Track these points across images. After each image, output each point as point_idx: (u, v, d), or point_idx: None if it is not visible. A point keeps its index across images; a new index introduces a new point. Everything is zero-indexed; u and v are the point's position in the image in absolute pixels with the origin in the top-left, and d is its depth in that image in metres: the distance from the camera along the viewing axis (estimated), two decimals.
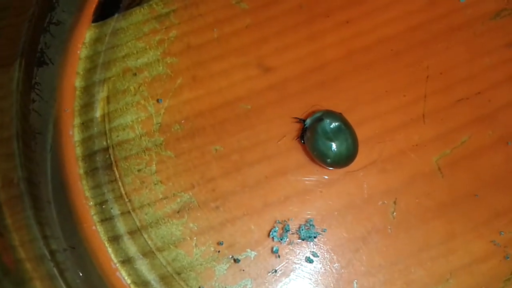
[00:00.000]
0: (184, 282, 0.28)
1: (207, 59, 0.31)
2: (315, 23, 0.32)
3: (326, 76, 0.31)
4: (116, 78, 0.31)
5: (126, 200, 0.29)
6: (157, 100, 0.30)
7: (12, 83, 0.29)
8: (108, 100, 0.31)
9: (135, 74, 0.31)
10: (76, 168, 0.30)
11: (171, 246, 0.28)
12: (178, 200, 0.29)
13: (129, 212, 0.29)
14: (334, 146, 0.27)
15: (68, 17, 0.32)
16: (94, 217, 0.29)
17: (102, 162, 0.30)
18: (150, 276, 0.28)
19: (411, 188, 0.29)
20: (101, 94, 0.31)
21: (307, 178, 0.29)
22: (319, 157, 0.28)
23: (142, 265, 0.28)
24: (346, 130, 0.28)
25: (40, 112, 0.30)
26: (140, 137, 0.30)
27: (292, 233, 0.28)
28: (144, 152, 0.30)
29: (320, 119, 0.28)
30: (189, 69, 0.31)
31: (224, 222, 0.29)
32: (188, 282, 0.28)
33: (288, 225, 0.28)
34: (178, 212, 0.29)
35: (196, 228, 0.29)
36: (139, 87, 0.31)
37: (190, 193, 0.29)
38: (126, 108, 0.30)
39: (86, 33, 0.32)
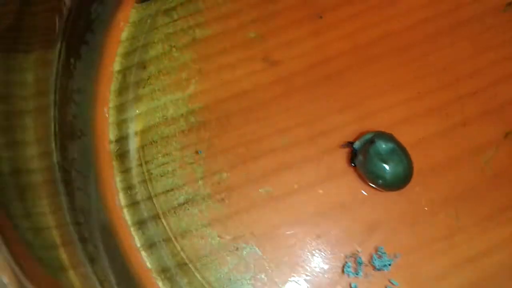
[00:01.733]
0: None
1: (213, 52, 0.32)
2: (321, 16, 0.32)
3: (332, 70, 0.31)
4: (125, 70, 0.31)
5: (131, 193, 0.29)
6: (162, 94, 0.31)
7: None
8: (118, 93, 0.31)
9: (144, 68, 0.31)
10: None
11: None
12: (183, 192, 0.29)
13: (137, 203, 0.29)
14: (388, 168, 0.27)
15: None
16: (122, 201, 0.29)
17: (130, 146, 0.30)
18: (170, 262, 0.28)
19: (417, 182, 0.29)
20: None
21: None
22: (374, 180, 0.27)
23: (162, 251, 0.28)
24: (400, 151, 0.27)
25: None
26: (145, 131, 0.30)
27: (366, 265, 0.28)
28: (151, 144, 0.30)
29: (371, 141, 0.27)
30: (195, 62, 0.31)
31: (229, 215, 0.29)
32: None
33: (360, 258, 0.28)
34: (183, 204, 0.29)
35: (200, 222, 0.29)
36: (148, 79, 0.31)
37: (193, 188, 0.29)
38: (131, 102, 0.31)
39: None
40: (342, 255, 0.28)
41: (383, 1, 0.32)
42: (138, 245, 0.29)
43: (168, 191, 0.29)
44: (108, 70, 0.31)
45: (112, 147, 0.30)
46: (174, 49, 0.31)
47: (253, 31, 0.32)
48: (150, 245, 0.29)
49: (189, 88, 0.31)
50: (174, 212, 0.29)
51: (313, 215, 0.29)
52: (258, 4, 0.32)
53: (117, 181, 0.29)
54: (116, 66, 0.31)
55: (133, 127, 0.30)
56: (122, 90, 0.31)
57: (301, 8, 0.32)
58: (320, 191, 0.29)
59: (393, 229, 0.29)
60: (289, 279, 0.28)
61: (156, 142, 0.30)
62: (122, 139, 0.30)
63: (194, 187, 0.29)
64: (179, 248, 0.28)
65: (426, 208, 0.29)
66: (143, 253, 0.29)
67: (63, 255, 0.25)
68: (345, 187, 0.29)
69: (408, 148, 0.29)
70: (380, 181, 0.27)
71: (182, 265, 0.28)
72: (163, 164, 0.30)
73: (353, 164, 0.29)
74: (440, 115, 0.30)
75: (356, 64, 0.31)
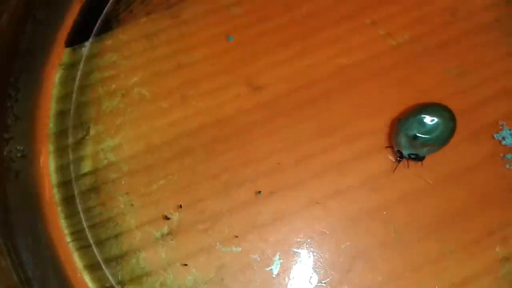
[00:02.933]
0: None
1: (197, 77, 0.31)
2: (304, 40, 0.32)
3: (316, 93, 0.31)
4: (103, 98, 0.31)
5: (114, 224, 0.29)
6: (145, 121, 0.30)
7: None
8: (96, 121, 0.30)
9: (123, 95, 0.31)
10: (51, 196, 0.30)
11: (160, 270, 0.28)
12: (167, 222, 0.29)
13: (120, 234, 0.29)
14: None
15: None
16: (71, 244, 0.29)
17: (87, 186, 0.29)
18: None
19: (402, 206, 0.29)
20: (87, 116, 0.31)
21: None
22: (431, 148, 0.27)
23: None
24: (442, 120, 0.27)
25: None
26: (128, 159, 0.30)
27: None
28: (132, 174, 0.30)
29: (414, 137, 0.27)
30: (178, 88, 0.31)
31: (213, 244, 0.29)
32: None
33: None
34: (167, 234, 0.29)
35: (184, 252, 0.28)
36: (127, 108, 0.31)
37: (178, 215, 0.29)
38: (116, 130, 0.30)
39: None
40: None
41: (365, 24, 0.32)
42: None
43: (150, 222, 0.29)
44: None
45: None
46: (156, 76, 0.31)
47: (236, 55, 0.31)
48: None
49: (172, 114, 0.31)
50: (154, 244, 0.29)
51: (297, 244, 0.29)
52: (242, 29, 0.32)
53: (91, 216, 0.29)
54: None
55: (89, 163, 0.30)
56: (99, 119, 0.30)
57: (284, 31, 0.32)
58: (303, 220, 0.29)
59: (380, 254, 0.28)
60: None
61: (139, 171, 0.30)
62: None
63: (177, 215, 0.29)
64: None
65: (413, 233, 0.28)
66: None
67: None
68: (330, 213, 0.29)
69: (390, 171, 0.29)
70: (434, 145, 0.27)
71: None
72: (144, 195, 0.29)
73: (412, 158, 0.28)
74: (457, 165, 0.30)
75: (340, 87, 0.31)
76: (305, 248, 0.28)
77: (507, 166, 0.29)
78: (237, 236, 0.28)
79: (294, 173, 0.30)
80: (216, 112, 0.31)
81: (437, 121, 0.27)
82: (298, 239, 0.28)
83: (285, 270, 0.28)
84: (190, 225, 0.29)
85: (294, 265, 0.28)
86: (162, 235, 0.29)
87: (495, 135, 0.30)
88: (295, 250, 0.28)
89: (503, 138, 0.30)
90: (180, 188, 0.29)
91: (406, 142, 0.27)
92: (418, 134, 0.27)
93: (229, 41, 0.32)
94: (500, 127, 0.30)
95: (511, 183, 0.29)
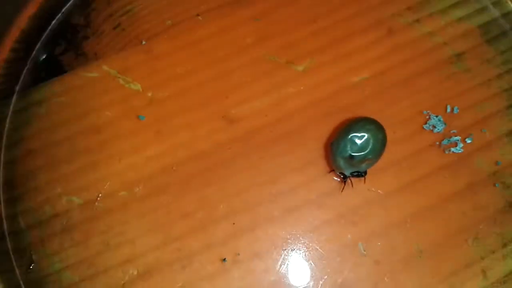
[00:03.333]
0: None
1: (171, 113, 0.31)
2: (281, 70, 0.32)
3: (291, 127, 0.31)
4: (76, 136, 0.31)
5: (88, 264, 0.28)
6: (119, 158, 0.30)
7: None
8: (67, 160, 0.30)
9: (98, 131, 0.31)
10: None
11: None
12: (143, 262, 0.28)
13: (95, 275, 0.28)
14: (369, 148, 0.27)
15: None
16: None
17: (59, 227, 0.29)
18: None
19: (379, 239, 0.29)
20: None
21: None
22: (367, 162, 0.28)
23: None
24: (371, 134, 0.27)
25: None
26: (102, 198, 0.29)
27: None
28: (107, 212, 0.29)
29: (350, 157, 0.27)
30: (152, 124, 0.31)
31: (192, 281, 0.28)
32: None
33: None
34: (144, 274, 0.28)
35: None
36: (101, 145, 0.30)
37: (155, 254, 0.29)
38: (88, 167, 0.30)
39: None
40: None
41: (338, 56, 0.32)
42: None
43: (125, 261, 0.28)
44: None
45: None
46: (129, 112, 0.31)
47: (211, 89, 0.31)
48: None
49: (146, 151, 0.30)
50: (134, 283, 0.28)
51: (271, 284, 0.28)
52: (215, 62, 0.32)
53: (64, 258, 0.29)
54: None
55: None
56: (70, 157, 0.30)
57: (258, 64, 0.32)
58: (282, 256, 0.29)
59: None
60: None
61: (113, 209, 0.29)
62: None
63: (153, 255, 0.29)
64: None
65: (388, 267, 0.28)
66: None
67: None
68: (308, 246, 0.29)
69: (367, 204, 0.29)
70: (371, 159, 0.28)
71: None
72: (119, 233, 0.29)
73: (358, 175, 0.28)
74: (401, 168, 0.30)
75: (316, 118, 0.31)
76: (288, 275, 0.28)
77: (446, 152, 0.30)
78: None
79: (273, 208, 0.29)
80: (191, 147, 0.30)
81: (367, 136, 0.27)
82: (272, 278, 0.28)
83: None
84: (167, 264, 0.28)
85: None
86: (139, 274, 0.28)
87: (424, 126, 0.30)
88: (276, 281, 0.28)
89: (433, 127, 0.30)
90: (155, 226, 0.29)
91: (344, 163, 0.28)
92: (352, 154, 0.27)
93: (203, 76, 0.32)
94: (427, 117, 0.30)
95: (455, 169, 0.30)
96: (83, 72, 0.32)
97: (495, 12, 0.33)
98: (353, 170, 0.28)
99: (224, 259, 0.28)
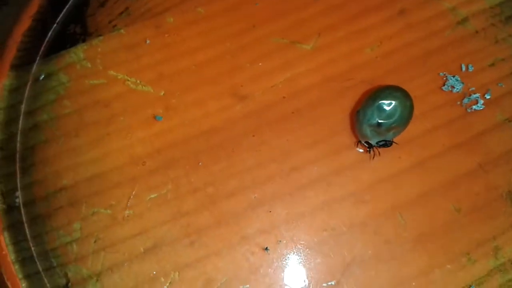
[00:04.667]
0: None
1: (181, 88, 0.31)
2: (289, 49, 0.31)
3: (302, 103, 0.30)
4: (84, 109, 0.30)
5: (96, 238, 0.28)
6: (127, 133, 0.30)
7: None
8: (76, 133, 0.30)
9: (106, 106, 0.30)
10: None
11: (145, 285, 0.27)
12: (152, 236, 0.28)
13: (102, 249, 0.28)
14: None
15: None
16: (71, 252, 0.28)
17: (66, 200, 0.29)
18: None
19: (390, 218, 0.28)
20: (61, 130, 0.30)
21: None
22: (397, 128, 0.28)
23: None
24: (398, 101, 0.27)
25: None
26: (112, 170, 0.29)
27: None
28: (116, 186, 0.29)
29: (378, 125, 0.27)
30: (162, 99, 0.30)
31: (200, 258, 0.28)
32: None
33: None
34: (151, 249, 0.28)
35: (169, 266, 0.28)
36: (110, 119, 0.30)
37: (164, 229, 0.28)
38: (97, 141, 0.30)
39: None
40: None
41: (351, 33, 0.32)
42: None
43: (135, 235, 0.28)
44: None
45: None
46: (140, 86, 0.31)
47: (221, 65, 0.31)
48: None
49: (155, 126, 0.30)
50: (142, 258, 0.28)
51: (286, 251, 0.28)
52: (227, 38, 0.32)
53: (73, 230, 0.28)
54: None
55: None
56: (79, 130, 0.30)
57: (268, 42, 0.31)
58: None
59: (367, 267, 0.28)
60: None
61: (121, 183, 0.29)
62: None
63: (162, 230, 0.28)
64: None
65: (399, 245, 0.28)
66: None
67: None
68: (317, 224, 0.28)
69: (378, 183, 0.29)
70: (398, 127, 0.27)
71: None
72: (130, 206, 0.28)
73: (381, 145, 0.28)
74: (411, 148, 0.30)
75: (326, 97, 0.31)
76: (295, 254, 0.28)
77: (469, 110, 0.30)
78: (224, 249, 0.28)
79: (283, 185, 0.29)
80: (201, 123, 0.30)
81: (394, 104, 0.27)
82: (286, 250, 0.28)
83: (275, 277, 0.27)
84: (175, 239, 0.28)
85: (286, 267, 0.28)
86: (146, 250, 0.28)
87: (443, 88, 0.30)
88: (282, 259, 0.28)
89: (452, 87, 0.30)
90: (164, 201, 0.29)
91: (371, 132, 0.27)
92: (380, 121, 0.27)
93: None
94: (444, 78, 0.30)
95: (478, 126, 0.30)
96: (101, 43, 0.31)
97: None
98: (379, 139, 0.28)
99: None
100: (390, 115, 0.27)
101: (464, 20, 0.32)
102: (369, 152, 0.29)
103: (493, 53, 0.31)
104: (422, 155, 0.29)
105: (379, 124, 0.27)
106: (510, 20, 0.32)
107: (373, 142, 0.28)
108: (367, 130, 0.27)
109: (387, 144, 0.28)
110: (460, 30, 0.32)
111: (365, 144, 0.28)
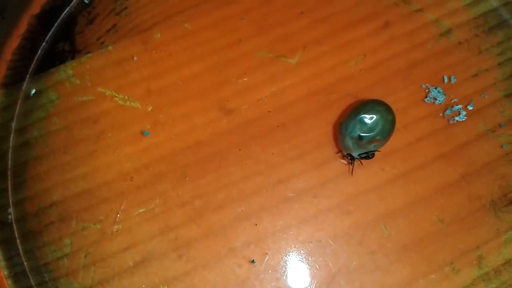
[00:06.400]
0: None
1: (168, 103, 0.31)
2: (274, 64, 0.32)
3: (287, 117, 0.31)
4: (73, 126, 0.31)
5: (86, 253, 0.29)
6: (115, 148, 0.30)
7: None
8: (65, 149, 0.30)
9: (95, 122, 0.31)
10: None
11: None
12: (141, 250, 0.29)
13: (92, 264, 0.28)
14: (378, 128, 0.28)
15: None
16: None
17: (56, 216, 0.29)
18: None
19: (375, 229, 0.29)
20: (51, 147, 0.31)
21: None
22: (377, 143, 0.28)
23: None
24: (380, 115, 0.28)
25: None
26: (100, 186, 0.30)
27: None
28: (105, 202, 0.29)
29: (359, 138, 0.27)
30: (149, 115, 0.31)
31: (188, 271, 0.28)
32: None
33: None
34: (140, 263, 0.28)
35: (158, 280, 0.28)
36: (98, 135, 0.30)
37: (152, 243, 0.29)
38: (86, 157, 0.30)
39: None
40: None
41: (336, 47, 0.32)
42: None
43: (124, 249, 0.29)
44: None
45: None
46: (128, 102, 0.31)
47: (207, 80, 0.32)
48: None
49: (143, 141, 0.30)
50: (132, 272, 0.28)
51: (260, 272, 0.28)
52: (213, 52, 0.32)
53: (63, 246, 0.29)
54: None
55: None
56: (68, 147, 0.30)
57: (255, 55, 0.32)
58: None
59: (352, 278, 0.28)
60: None
61: (110, 199, 0.29)
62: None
63: (150, 244, 0.29)
64: None
65: (384, 256, 0.28)
66: None
67: None
68: (303, 236, 0.29)
69: (363, 194, 0.29)
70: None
71: None
72: (118, 221, 0.29)
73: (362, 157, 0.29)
74: (395, 160, 0.30)
75: (311, 110, 0.31)
76: (281, 266, 0.28)
77: (451, 122, 0.30)
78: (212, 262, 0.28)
79: (269, 198, 0.29)
80: (188, 137, 0.31)
81: (376, 117, 0.27)
82: (272, 262, 0.28)
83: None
84: (164, 253, 0.29)
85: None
86: (135, 264, 0.28)
87: (425, 100, 0.31)
88: (269, 271, 0.28)
89: (434, 99, 0.30)
90: (152, 216, 0.29)
91: (353, 144, 0.28)
92: (361, 134, 0.27)
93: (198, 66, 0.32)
94: (426, 90, 0.31)
95: (461, 137, 0.30)
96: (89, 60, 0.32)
97: None
98: (361, 152, 0.28)
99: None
100: (371, 128, 0.27)
101: (448, 32, 0.32)
102: (351, 164, 0.29)
103: (477, 64, 0.32)
104: (405, 167, 0.30)
105: (360, 137, 0.27)
106: (493, 30, 0.32)
107: (355, 154, 0.28)
108: (349, 143, 0.28)
109: (369, 156, 0.28)
110: (444, 42, 0.32)
111: (347, 155, 0.29)
